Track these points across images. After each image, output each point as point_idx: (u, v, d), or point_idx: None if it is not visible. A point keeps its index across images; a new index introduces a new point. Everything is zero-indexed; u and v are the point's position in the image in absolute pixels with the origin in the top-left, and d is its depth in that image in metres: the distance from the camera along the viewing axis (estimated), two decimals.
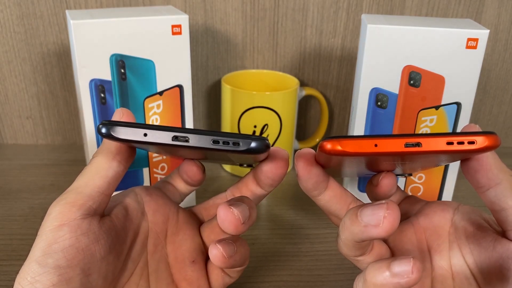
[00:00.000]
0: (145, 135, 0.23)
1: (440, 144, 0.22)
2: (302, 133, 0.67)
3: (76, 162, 0.60)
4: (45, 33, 0.58)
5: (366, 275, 0.24)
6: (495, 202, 0.26)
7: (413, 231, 0.30)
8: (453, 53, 0.41)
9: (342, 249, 0.27)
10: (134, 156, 0.29)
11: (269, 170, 0.29)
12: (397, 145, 0.22)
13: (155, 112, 0.45)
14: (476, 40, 0.40)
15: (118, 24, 0.41)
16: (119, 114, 0.29)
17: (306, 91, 0.59)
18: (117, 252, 0.28)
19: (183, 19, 0.43)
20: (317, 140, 0.62)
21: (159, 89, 0.45)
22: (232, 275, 0.32)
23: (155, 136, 0.23)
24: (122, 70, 0.43)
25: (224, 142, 0.23)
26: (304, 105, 0.65)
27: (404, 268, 0.23)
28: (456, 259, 0.29)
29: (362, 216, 0.23)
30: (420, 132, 0.44)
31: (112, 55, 0.42)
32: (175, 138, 0.23)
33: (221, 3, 0.59)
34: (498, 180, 0.25)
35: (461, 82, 0.42)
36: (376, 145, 0.22)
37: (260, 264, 0.43)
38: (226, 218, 0.27)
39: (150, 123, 0.46)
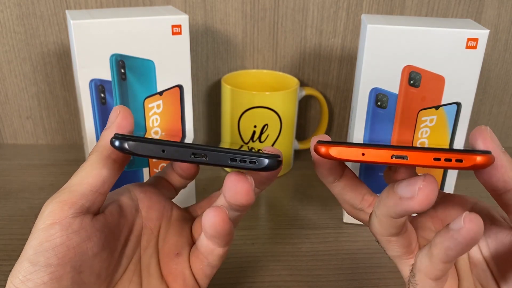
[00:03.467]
0: (163, 151, 0.23)
1: (426, 159, 0.22)
2: (302, 133, 0.67)
3: (76, 162, 0.60)
4: (45, 33, 0.59)
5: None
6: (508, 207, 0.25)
7: (431, 222, 0.30)
8: (453, 53, 0.41)
9: (376, 227, 0.27)
10: (131, 156, 0.29)
11: (265, 176, 0.29)
12: (383, 157, 0.22)
13: (155, 112, 0.45)
14: (476, 40, 0.40)
15: (118, 24, 0.41)
16: (115, 113, 0.29)
17: (306, 91, 0.59)
18: (111, 249, 0.28)
19: (183, 19, 0.43)
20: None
21: (159, 89, 0.45)
22: (214, 262, 0.31)
23: (173, 153, 0.23)
24: (122, 70, 0.43)
25: (241, 160, 0.24)
26: (304, 105, 0.65)
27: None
28: (474, 251, 0.28)
29: (398, 188, 0.24)
30: (419, 132, 0.44)
31: (112, 55, 0.42)
32: (193, 155, 0.23)
33: (221, 3, 0.59)
34: None
35: (461, 82, 0.42)
36: (363, 154, 0.23)
37: (260, 264, 0.43)
38: (239, 182, 0.25)
39: (150, 123, 0.46)
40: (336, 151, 0.23)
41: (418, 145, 0.45)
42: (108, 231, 0.28)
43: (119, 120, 0.28)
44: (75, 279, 0.25)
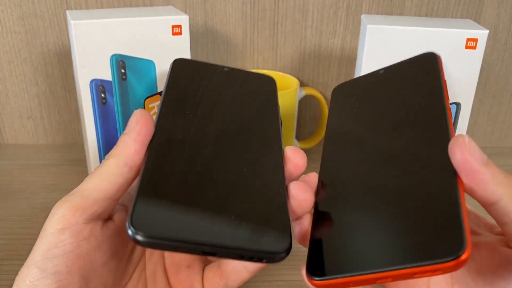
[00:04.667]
0: (175, 248, 0.23)
1: (408, 276, 0.21)
2: (302, 133, 0.67)
3: (76, 162, 0.60)
4: (45, 34, 0.59)
5: None
6: (498, 218, 0.24)
7: None
8: (452, 53, 0.41)
9: None
10: None
11: None
12: (371, 281, 0.22)
13: (155, 112, 0.46)
14: (475, 40, 0.41)
15: (118, 25, 0.41)
16: (136, 118, 0.27)
17: (306, 91, 0.59)
18: (119, 257, 0.27)
19: (183, 20, 0.43)
20: (317, 140, 0.62)
21: (159, 89, 0.45)
22: (233, 284, 0.30)
23: (184, 250, 0.23)
24: (123, 70, 0.43)
25: (249, 257, 0.24)
26: (304, 105, 0.65)
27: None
28: None
29: None
30: None
31: (113, 55, 0.42)
32: (203, 252, 0.23)
33: (221, 3, 0.59)
34: (497, 196, 0.23)
35: (460, 82, 0.42)
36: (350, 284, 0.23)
37: None
38: (306, 191, 0.26)
39: None
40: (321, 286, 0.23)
41: None
42: (118, 239, 0.27)
43: (140, 127, 0.26)
44: None
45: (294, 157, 0.28)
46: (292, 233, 0.25)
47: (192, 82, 0.31)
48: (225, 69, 0.33)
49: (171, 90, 0.30)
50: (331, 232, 0.25)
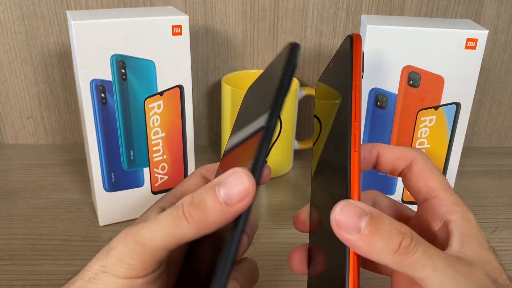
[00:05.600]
0: None
1: None
2: (302, 133, 0.67)
3: (76, 162, 0.60)
4: (45, 34, 0.59)
5: None
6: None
7: None
8: (452, 54, 0.41)
9: None
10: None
11: None
12: None
13: (155, 112, 0.46)
14: (475, 40, 0.41)
15: (118, 25, 0.41)
16: (238, 196, 0.21)
17: (306, 91, 0.59)
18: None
19: (183, 20, 0.43)
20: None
21: (159, 89, 0.45)
22: None
23: None
24: (123, 71, 0.43)
25: None
26: (304, 105, 0.65)
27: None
28: None
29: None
30: (419, 132, 0.45)
31: (113, 56, 0.42)
32: None
33: (221, 3, 0.59)
34: (383, 263, 0.22)
35: (460, 82, 0.42)
36: None
37: (260, 264, 0.43)
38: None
39: (151, 123, 0.46)
40: None
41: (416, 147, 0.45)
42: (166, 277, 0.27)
43: (243, 206, 0.21)
44: None
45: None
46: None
47: None
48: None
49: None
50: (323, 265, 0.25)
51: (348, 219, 0.21)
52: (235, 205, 0.21)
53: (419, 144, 0.45)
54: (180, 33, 0.44)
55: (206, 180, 0.30)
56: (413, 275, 0.22)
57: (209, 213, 0.22)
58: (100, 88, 0.43)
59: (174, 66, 0.45)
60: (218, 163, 0.30)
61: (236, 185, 0.21)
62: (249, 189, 0.21)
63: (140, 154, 0.47)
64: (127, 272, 0.23)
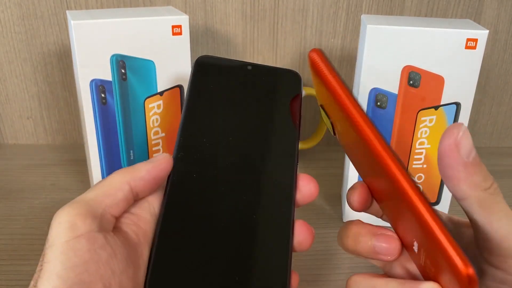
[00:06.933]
0: None
1: None
2: (302, 133, 0.67)
3: (76, 162, 0.60)
4: (45, 34, 0.59)
5: None
6: (465, 212, 0.25)
7: None
8: (452, 54, 0.41)
9: None
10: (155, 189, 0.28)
11: None
12: None
13: (155, 112, 0.46)
14: (475, 40, 0.41)
15: (118, 25, 0.41)
16: (158, 159, 0.28)
17: (306, 91, 0.59)
18: (135, 265, 0.26)
19: (183, 20, 0.43)
20: (317, 140, 0.62)
21: (159, 89, 0.45)
22: None
23: None
24: (123, 70, 0.43)
25: None
26: (304, 105, 0.65)
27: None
28: None
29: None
30: (419, 132, 0.45)
31: (113, 56, 0.42)
32: None
33: (221, 3, 0.59)
34: (465, 195, 0.24)
35: (460, 82, 0.42)
36: None
37: None
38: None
39: (151, 123, 0.46)
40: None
41: (416, 147, 0.45)
42: (130, 248, 0.26)
43: (158, 164, 0.27)
44: None
45: (306, 188, 0.28)
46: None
47: (215, 88, 0.30)
48: (249, 67, 0.32)
49: (193, 97, 0.30)
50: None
51: (467, 143, 0.23)
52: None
53: (419, 144, 0.45)
54: (180, 33, 0.44)
55: (135, 196, 0.28)
56: (486, 218, 0.23)
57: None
58: (100, 88, 0.43)
59: (174, 66, 0.45)
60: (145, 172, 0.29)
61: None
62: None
63: (140, 154, 0.47)
64: (66, 233, 0.24)
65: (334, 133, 0.30)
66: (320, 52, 0.26)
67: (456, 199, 0.25)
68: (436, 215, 0.21)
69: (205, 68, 0.31)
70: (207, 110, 0.29)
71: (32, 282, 0.23)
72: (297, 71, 0.63)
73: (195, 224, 0.26)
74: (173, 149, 0.28)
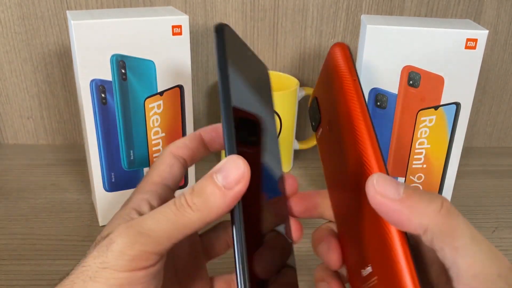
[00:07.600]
0: None
1: None
2: (302, 133, 0.67)
3: (77, 162, 0.60)
4: (45, 34, 0.59)
5: None
6: (431, 246, 0.22)
7: None
8: (452, 54, 0.41)
9: None
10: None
11: None
12: None
13: (155, 112, 0.46)
14: (475, 40, 0.41)
15: (118, 25, 0.41)
16: (239, 172, 0.23)
17: (306, 91, 0.59)
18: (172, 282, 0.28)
19: (183, 20, 0.43)
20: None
21: (159, 89, 0.45)
22: None
23: None
24: (123, 70, 0.43)
25: None
26: (304, 105, 0.65)
27: None
28: None
29: None
30: (419, 132, 0.45)
31: (113, 56, 0.42)
32: None
33: (221, 3, 0.59)
34: (422, 227, 0.21)
35: (460, 82, 0.42)
36: None
37: None
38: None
39: (151, 123, 0.46)
40: None
41: (416, 147, 0.45)
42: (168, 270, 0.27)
43: (240, 189, 0.22)
44: None
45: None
46: None
47: (240, 62, 0.28)
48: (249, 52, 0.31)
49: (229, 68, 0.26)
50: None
51: (387, 184, 0.22)
52: (233, 187, 0.22)
53: (419, 144, 0.45)
54: (180, 33, 0.44)
55: (177, 158, 0.30)
56: (449, 244, 0.21)
57: (210, 197, 0.23)
58: (100, 88, 0.43)
59: (174, 66, 0.45)
60: (185, 138, 0.30)
61: (232, 169, 0.22)
62: (244, 172, 0.22)
63: (140, 154, 0.47)
64: (128, 264, 0.23)
65: (315, 129, 0.29)
66: (346, 48, 0.25)
67: (423, 241, 0.22)
68: (410, 253, 0.21)
69: (230, 37, 0.27)
70: (242, 86, 0.28)
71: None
72: (296, 70, 0.63)
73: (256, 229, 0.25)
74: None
